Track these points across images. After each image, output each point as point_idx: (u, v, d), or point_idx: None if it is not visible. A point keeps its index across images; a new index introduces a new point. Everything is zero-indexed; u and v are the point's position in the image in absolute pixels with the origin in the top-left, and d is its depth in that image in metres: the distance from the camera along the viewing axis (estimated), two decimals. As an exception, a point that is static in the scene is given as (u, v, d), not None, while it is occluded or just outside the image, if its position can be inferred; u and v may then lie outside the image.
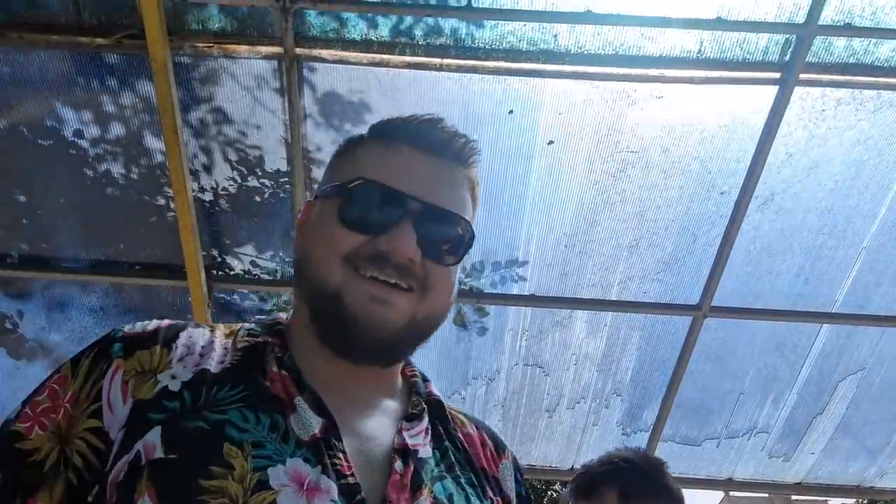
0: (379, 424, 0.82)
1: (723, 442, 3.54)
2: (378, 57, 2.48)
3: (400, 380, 0.93)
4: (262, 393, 0.76)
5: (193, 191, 2.74)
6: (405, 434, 0.81)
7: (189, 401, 0.73)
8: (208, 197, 2.84)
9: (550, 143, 2.68)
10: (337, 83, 2.57)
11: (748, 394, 3.39)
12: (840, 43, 2.43)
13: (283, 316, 0.91)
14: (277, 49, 2.45)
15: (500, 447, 0.95)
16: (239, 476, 0.67)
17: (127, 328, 0.81)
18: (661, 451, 3.51)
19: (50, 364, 3.26)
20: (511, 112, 2.61)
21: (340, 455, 0.74)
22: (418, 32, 2.45)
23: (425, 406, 0.89)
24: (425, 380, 0.95)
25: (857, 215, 2.81)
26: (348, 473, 0.73)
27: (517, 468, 0.96)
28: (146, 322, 0.83)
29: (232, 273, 3.05)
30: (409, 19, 2.42)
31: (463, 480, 0.83)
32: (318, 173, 2.77)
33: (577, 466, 3.62)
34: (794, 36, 2.41)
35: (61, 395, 0.76)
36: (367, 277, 0.79)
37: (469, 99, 2.58)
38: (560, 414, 3.45)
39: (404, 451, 0.79)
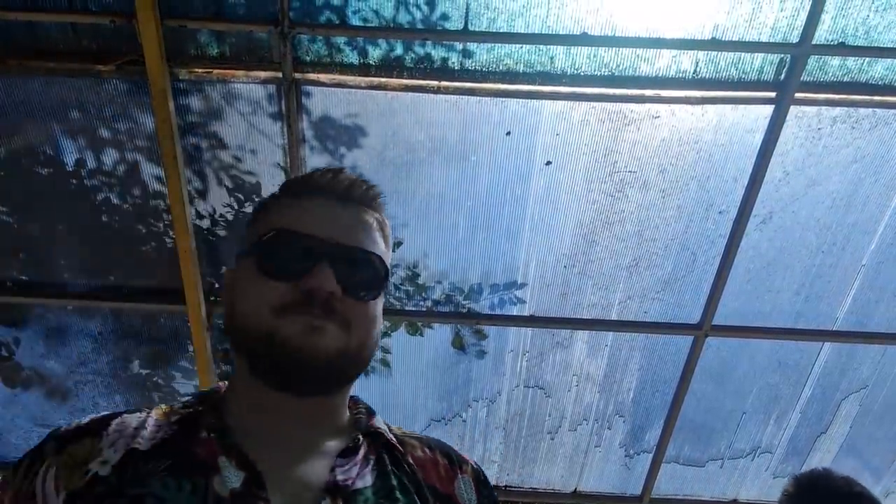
0: (312, 466, 0.83)
1: (726, 463, 3.51)
2: (376, 80, 2.50)
3: (347, 417, 0.96)
4: (187, 460, 0.78)
5: (191, 217, 2.73)
6: (338, 471, 0.83)
7: (115, 482, 0.74)
8: (206, 224, 2.84)
9: (548, 163, 2.68)
10: (333, 108, 2.58)
11: (751, 413, 3.37)
12: (834, 62, 2.45)
13: (222, 384, 0.94)
14: (276, 73, 2.46)
15: (455, 462, 0.97)
16: None
17: (63, 427, 0.83)
18: (664, 473, 3.48)
19: (46, 392, 3.23)
20: (509, 133, 2.62)
21: None
22: (416, 56, 2.46)
23: (363, 438, 0.90)
24: (370, 413, 0.98)
25: (855, 232, 2.81)
26: None
27: (479, 481, 0.98)
28: (82, 417, 0.85)
29: (230, 297, 3.03)
30: (406, 43, 2.44)
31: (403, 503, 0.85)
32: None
33: (580, 489, 3.60)
34: (789, 55, 2.43)
35: (5, 494, 0.79)
36: (296, 315, 0.83)
37: (467, 121, 2.59)
38: (562, 436, 3.42)
39: (335, 489, 0.80)
